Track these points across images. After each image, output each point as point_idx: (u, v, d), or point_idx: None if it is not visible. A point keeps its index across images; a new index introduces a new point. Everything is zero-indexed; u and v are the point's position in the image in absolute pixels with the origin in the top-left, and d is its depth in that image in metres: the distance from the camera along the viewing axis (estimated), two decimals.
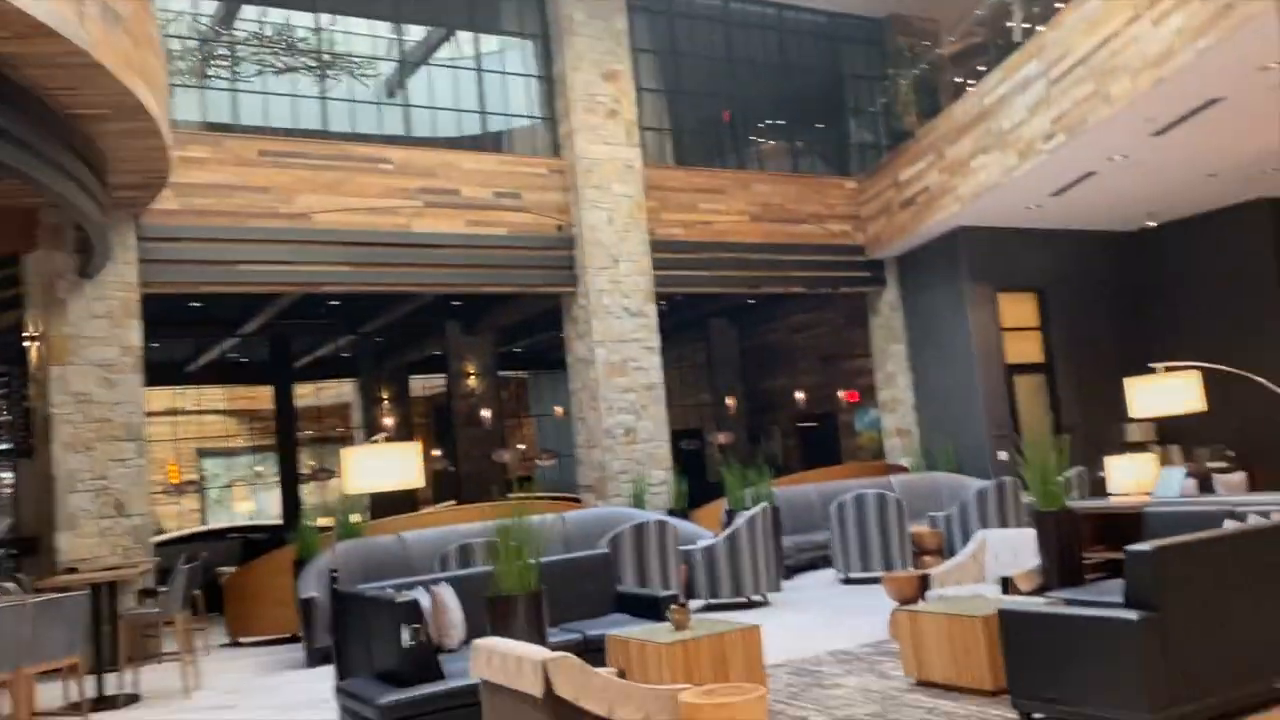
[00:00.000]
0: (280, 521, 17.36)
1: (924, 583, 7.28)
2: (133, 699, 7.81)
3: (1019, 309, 14.53)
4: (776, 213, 14.39)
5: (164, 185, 9.56)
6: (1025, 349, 14.49)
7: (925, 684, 5.73)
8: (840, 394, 17.44)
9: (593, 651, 6.40)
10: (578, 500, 13.14)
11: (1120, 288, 15.12)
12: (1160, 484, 7.52)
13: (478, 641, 4.56)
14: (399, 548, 9.97)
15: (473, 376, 16.91)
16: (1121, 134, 10.80)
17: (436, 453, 19.61)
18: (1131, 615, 4.32)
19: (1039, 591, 6.63)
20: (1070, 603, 5.19)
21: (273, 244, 11.05)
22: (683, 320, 18.33)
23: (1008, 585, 6.68)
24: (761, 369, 19.59)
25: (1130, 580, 4.45)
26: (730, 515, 11.23)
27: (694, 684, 5.54)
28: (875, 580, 10.52)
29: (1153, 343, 14.89)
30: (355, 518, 10.42)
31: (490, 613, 4.81)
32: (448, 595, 6.39)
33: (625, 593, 7.18)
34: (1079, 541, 6.69)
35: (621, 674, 4.76)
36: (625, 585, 8.15)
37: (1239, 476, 10.21)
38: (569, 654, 4.01)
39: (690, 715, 4.00)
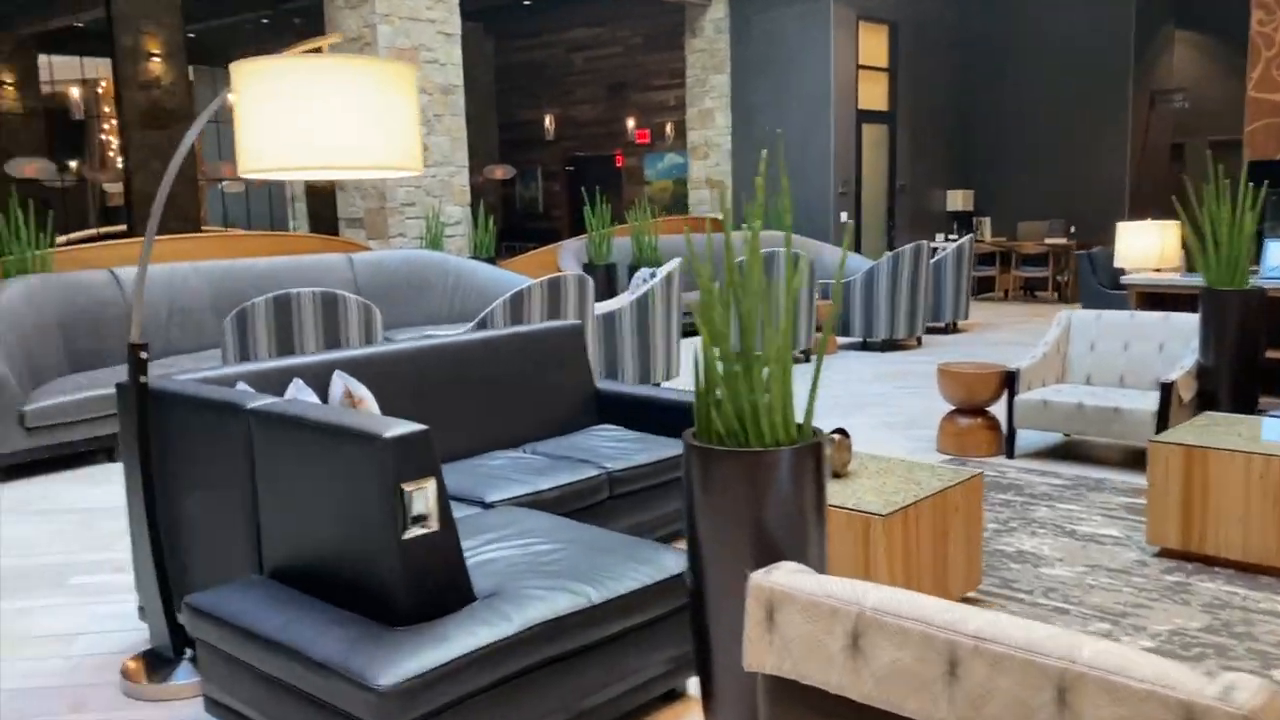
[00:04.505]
0: None
1: (1007, 381, 5.16)
2: None
3: (872, 44, 12.41)
4: None
5: None
6: (874, 94, 12.50)
7: (1195, 559, 3.64)
8: (632, 130, 14.73)
9: (617, 497, 3.71)
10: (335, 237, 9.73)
11: (968, 35, 13.42)
12: (1270, 259, 5.78)
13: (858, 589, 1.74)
14: (115, 292, 6.33)
15: (159, 59, 12.25)
16: None
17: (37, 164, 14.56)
18: None
19: (1206, 403, 4.71)
20: None
21: None
22: None
23: (1169, 392, 4.69)
24: (523, 94, 16.27)
25: None
26: (594, 269, 8.53)
27: (915, 578, 3.05)
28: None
29: (991, 101, 13.48)
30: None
31: (702, 480, 1.95)
32: (368, 399, 3.32)
33: (612, 392, 4.41)
34: (1263, 338, 4.79)
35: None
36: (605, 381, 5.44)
37: None
38: None
39: None
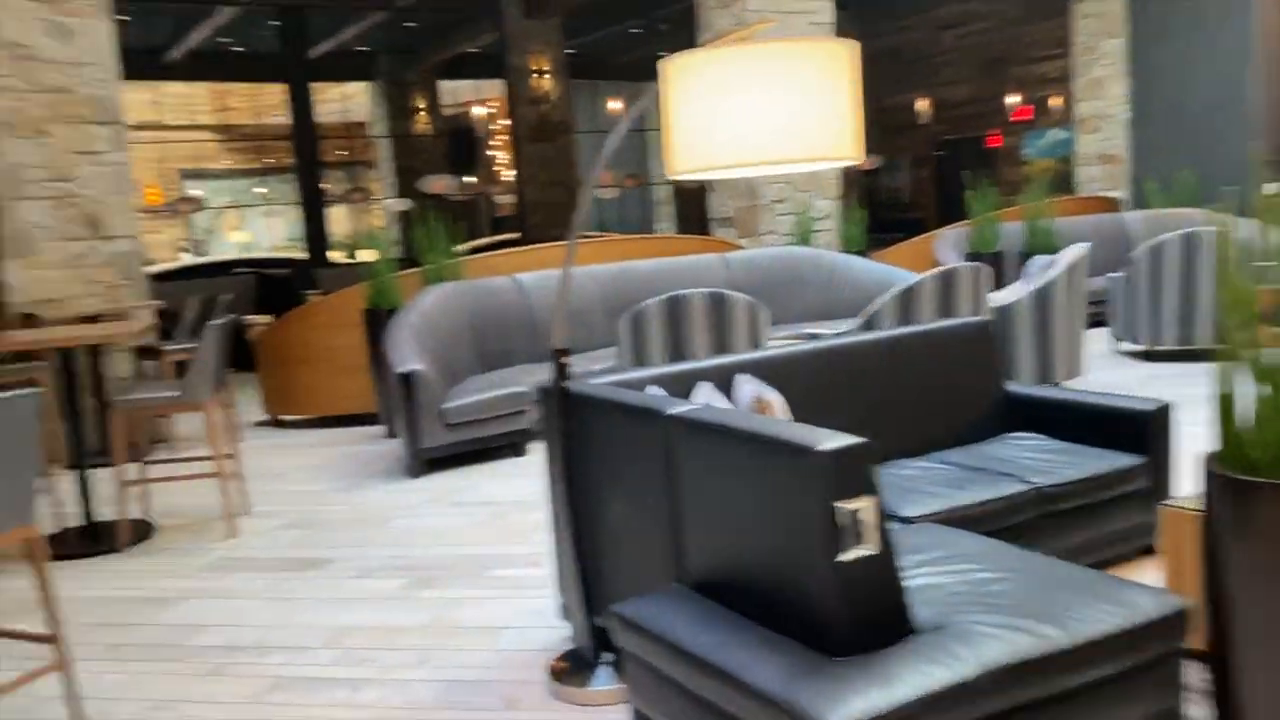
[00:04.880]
0: (305, 255, 14.06)
1: None
2: (142, 531, 4.78)
3: None
4: None
5: None
6: None
7: None
8: (1012, 105, 13.76)
9: (1046, 516, 3.31)
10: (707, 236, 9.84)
11: None
12: None
13: None
14: (518, 296, 6.73)
15: (546, 75, 13.10)
16: None
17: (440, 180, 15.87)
18: None
19: None
20: None
21: None
22: None
23: None
24: (889, 79, 15.74)
25: None
26: (979, 258, 7.99)
27: None
28: (1177, 356, 7.39)
29: None
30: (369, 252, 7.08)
31: (1234, 521, 1.60)
32: (778, 404, 3.18)
33: (1025, 395, 4.00)
34: None
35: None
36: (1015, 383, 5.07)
37: None
38: None
39: None
